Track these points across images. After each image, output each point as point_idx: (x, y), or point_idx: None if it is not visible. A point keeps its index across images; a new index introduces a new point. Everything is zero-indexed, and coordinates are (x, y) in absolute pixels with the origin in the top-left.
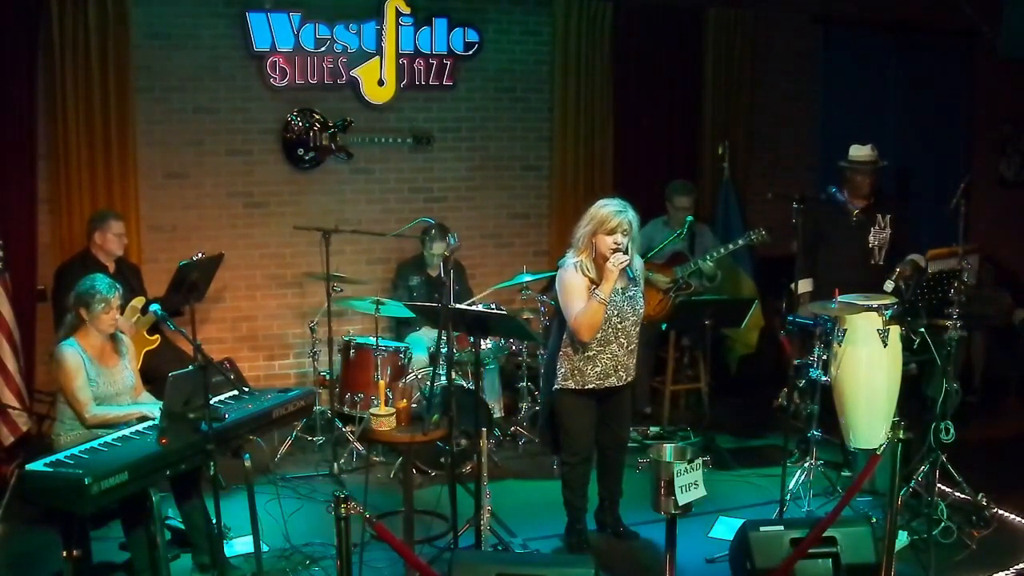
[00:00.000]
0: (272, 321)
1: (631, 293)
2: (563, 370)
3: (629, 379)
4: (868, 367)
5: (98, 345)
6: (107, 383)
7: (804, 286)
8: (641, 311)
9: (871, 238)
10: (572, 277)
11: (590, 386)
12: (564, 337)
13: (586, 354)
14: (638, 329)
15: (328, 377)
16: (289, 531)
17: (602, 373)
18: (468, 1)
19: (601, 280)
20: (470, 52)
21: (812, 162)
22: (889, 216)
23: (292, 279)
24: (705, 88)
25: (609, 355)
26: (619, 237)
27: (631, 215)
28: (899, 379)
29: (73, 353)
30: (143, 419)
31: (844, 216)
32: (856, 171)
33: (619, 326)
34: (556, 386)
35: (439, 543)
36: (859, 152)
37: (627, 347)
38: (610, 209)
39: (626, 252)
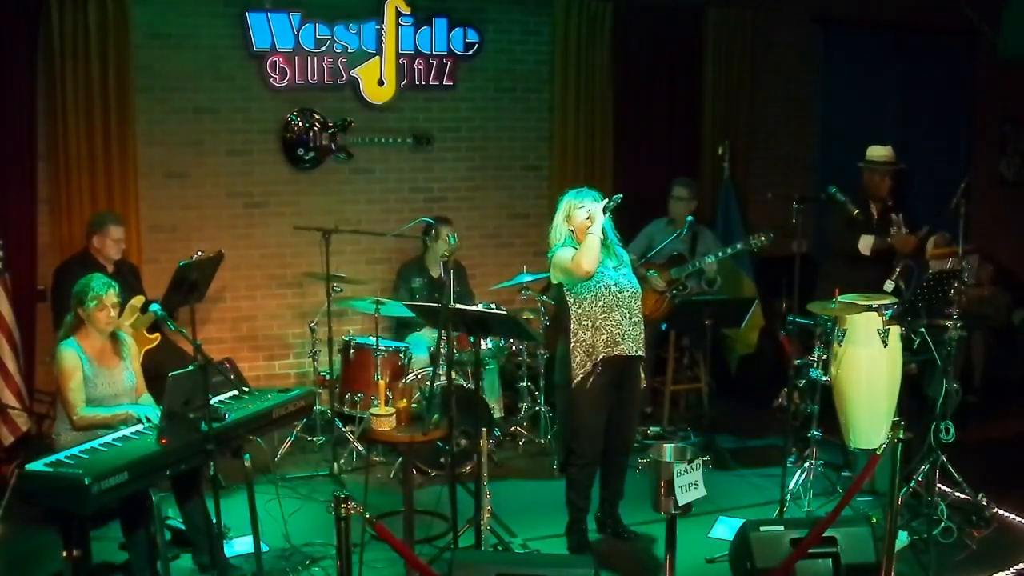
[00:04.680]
0: (272, 321)
1: (623, 270)
2: (577, 358)
3: (639, 351)
4: (868, 367)
5: (98, 346)
6: (106, 384)
7: (867, 239)
8: (637, 286)
9: (890, 239)
10: (565, 250)
11: (601, 356)
12: (571, 326)
13: (593, 326)
14: (638, 303)
15: (328, 377)
16: (289, 531)
17: (609, 340)
18: (468, 1)
19: None
20: (470, 52)
21: (812, 162)
22: (902, 215)
23: (292, 279)
24: (705, 88)
25: (613, 322)
26: (589, 206)
27: (594, 192)
28: (899, 379)
29: (71, 354)
30: (129, 419)
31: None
32: (875, 171)
33: (619, 295)
34: (573, 381)
35: (439, 543)
36: (878, 152)
37: (629, 317)
38: (571, 193)
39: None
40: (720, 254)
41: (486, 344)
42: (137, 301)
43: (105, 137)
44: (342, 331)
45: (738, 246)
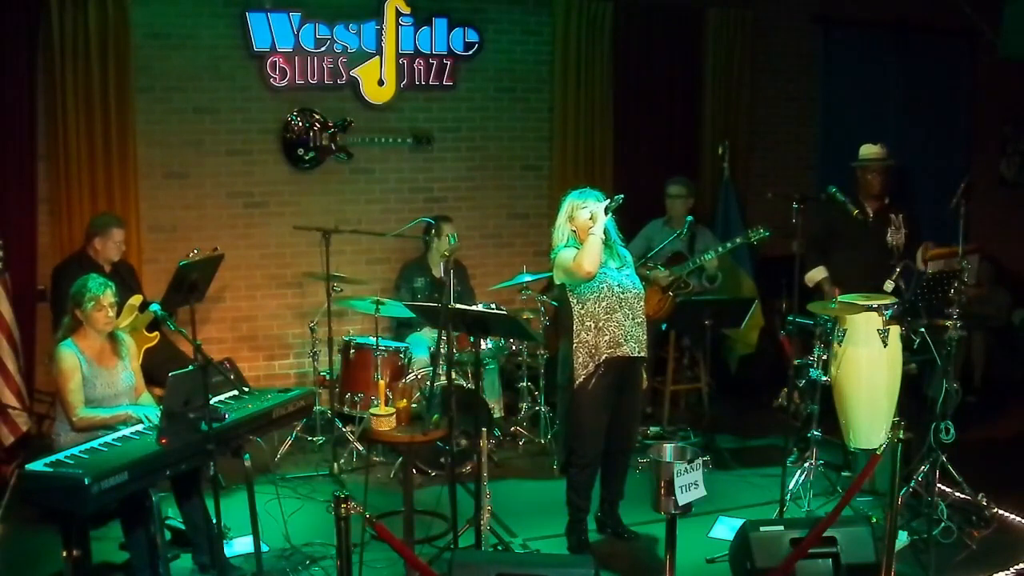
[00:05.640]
0: (272, 321)
1: (626, 272)
2: (580, 359)
3: (641, 352)
4: (868, 367)
5: (97, 346)
6: (105, 384)
7: (819, 273)
8: (640, 287)
9: (889, 238)
10: (567, 251)
11: (604, 356)
12: (574, 327)
13: (596, 326)
14: (641, 305)
15: (328, 377)
16: (289, 531)
17: (612, 341)
18: (468, 1)
19: None
20: (470, 52)
21: (812, 162)
22: (902, 215)
23: (292, 279)
24: (705, 88)
25: (616, 323)
26: (591, 207)
27: (596, 192)
28: (899, 379)
29: (70, 355)
30: (129, 419)
31: (862, 217)
32: (867, 169)
33: (622, 296)
34: (576, 381)
35: (439, 543)
36: (869, 150)
37: (632, 318)
38: (574, 194)
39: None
40: (720, 249)
41: (486, 344)
42: (135, 300)
43: (105, 137)
44: (342, 331)
45: (737, 240)
